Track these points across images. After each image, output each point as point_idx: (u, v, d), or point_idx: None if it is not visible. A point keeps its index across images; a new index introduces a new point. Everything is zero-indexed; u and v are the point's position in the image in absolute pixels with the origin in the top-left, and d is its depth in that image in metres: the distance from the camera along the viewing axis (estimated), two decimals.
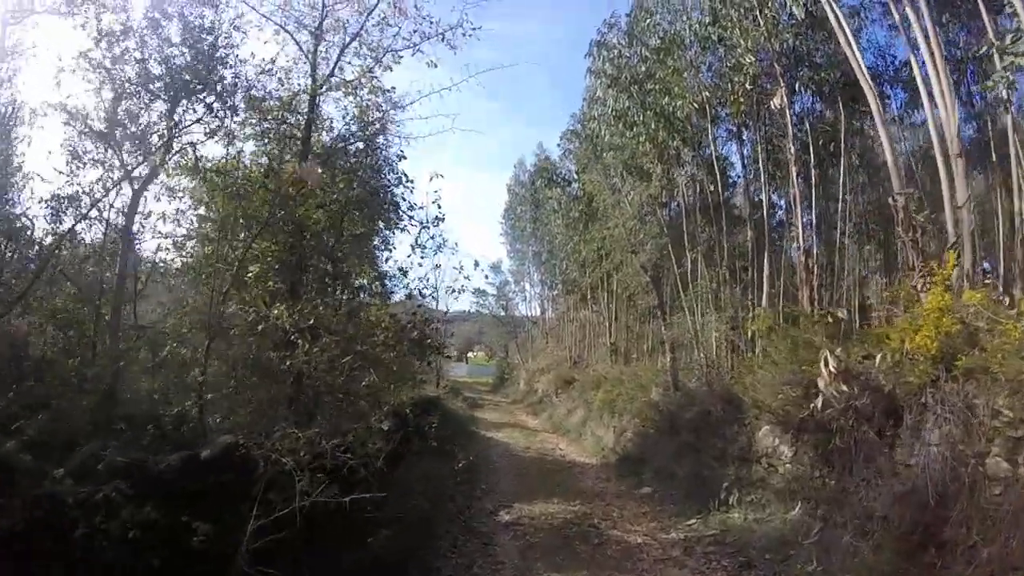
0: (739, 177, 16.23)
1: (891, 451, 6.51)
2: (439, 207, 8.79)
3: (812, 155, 12.89)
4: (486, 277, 42.39)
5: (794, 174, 13.07)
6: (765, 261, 13.21)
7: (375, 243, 13.44)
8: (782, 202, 15.27)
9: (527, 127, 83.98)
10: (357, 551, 5.74)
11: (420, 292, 9.60)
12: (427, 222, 9.45)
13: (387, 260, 13.05)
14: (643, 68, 15.94)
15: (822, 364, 6.42)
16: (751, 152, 15.01)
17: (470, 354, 69.08)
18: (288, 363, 6.74)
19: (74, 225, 7.84)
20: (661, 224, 14.22)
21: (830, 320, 8.47)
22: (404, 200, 9.92)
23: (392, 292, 14.41)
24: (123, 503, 4.45)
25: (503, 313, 44.76)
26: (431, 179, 8.38)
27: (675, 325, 13.56)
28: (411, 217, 9.59)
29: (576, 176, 24.24)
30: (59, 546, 4.26)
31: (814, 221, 13.27)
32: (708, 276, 13.40)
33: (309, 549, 5.26)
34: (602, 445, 14.82)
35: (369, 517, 6.15)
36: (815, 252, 12.51)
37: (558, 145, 26.20)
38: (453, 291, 9.63)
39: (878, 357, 6.74)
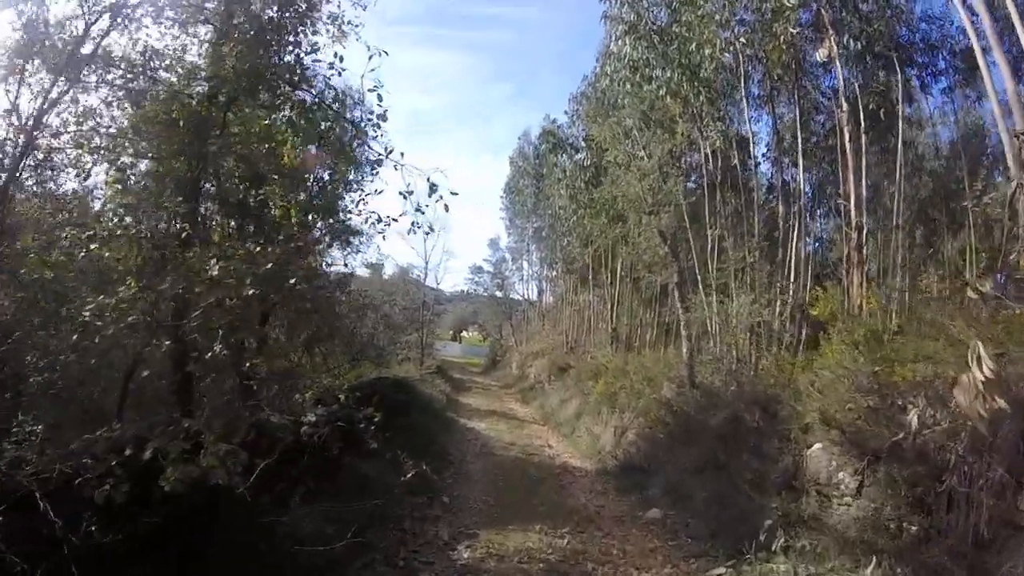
0: (769, 149, 13.98)
1: None
2: (379, 98, 6.14)
3: (857, 123, 10.61)
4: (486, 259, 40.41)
5: (846, 136, 10.79)
6: (794, 240, 10.94)
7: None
8: (811, 178, 13.07)
9: (535, 112, 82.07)
10: None
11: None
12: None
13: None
14: (666, 12, 13.61)
15: (973, 364, 4.06)
16: (781, 123, 12.71)
17: (464, 333, 67.43)
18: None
19: None
20: (684, 182, 11.91)
21: (974, 297, 5.94)
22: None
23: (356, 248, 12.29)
24: None
25: (499, 293, 42.49)
26: (370, 57, 5.75)
27: (696, 308, 11.22)
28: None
29: (584, 143, 22.05)
30: None
31: (864, 195, 10.97)
32: (734, 253, 11.07)
33: None
34: (599, 446, 12.62)
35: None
36: (865, 230, 10.29)
37: (565, 112, 23.76)
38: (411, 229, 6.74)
39: None
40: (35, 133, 4.99)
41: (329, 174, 9.97)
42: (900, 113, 10.72)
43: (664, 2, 13.73)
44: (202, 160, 5.00)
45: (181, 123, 4.88)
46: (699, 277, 11.63)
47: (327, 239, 11.85)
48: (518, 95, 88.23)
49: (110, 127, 5.45)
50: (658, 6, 13.99)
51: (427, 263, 29.60)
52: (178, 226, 5.30)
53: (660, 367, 12.46)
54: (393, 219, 6.84)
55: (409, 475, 6.13)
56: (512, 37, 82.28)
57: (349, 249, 12.22)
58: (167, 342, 4.68)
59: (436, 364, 27.82)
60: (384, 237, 12.33)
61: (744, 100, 12.48)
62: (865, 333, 6.90)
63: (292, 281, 5.08)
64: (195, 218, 5.63)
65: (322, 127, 6.93)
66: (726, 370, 9.88)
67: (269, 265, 4.59)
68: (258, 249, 4.85)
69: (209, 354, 4.61)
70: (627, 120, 12.36)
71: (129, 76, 5.32)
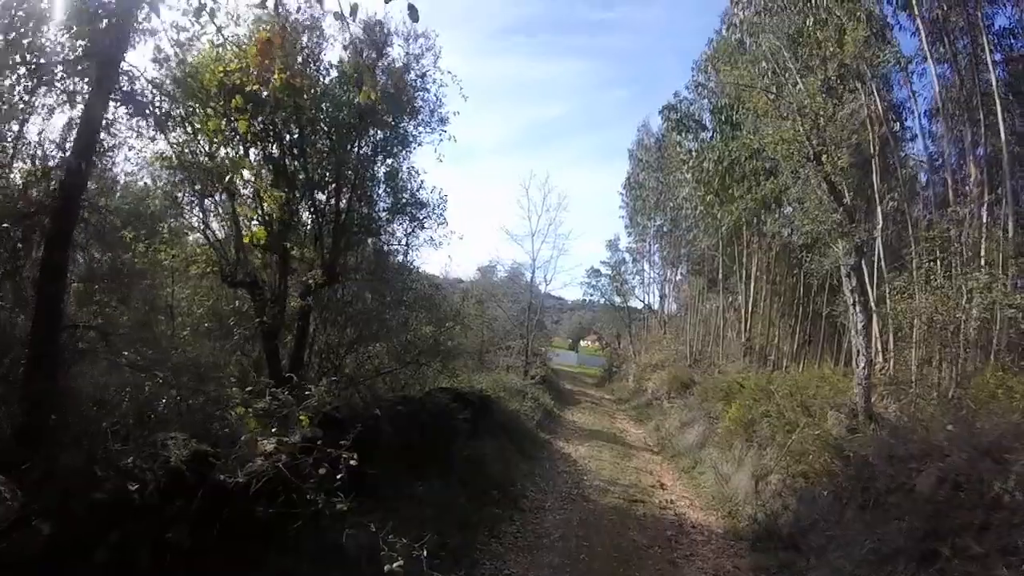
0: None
1: None
2: None
3: None
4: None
5: None
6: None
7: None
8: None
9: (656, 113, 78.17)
10: None
11: None
12: None
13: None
14: None
15: None
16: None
17: (583, 343, 64.72)
18: None
19: None
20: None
21: None
22: None
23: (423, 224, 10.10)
24: None
25: (617, 299, 39.09)
26: None
27: (889, 298, 7.71)
28: None
29: (711, 119, 18.74)
30: None
31: None
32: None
33: None
34: (728, 492, 9.38)
35: None
36: None
37: (685, 87, 20.31)
38: None
39: None
40: None
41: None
42: None
43: None
44: None
45: None
46: (881, 256, 8.07)
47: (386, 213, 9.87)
48: (638, 98, 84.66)
49: None
50: None
51: (534, 260, 26.74)
52: None
53: (822, 389, 8.99)
54: None
55: (393, 566, 3.61)
56: (631, 41, 79.22)
57: (414, 224, 10.08)
58: None
59: (543, 374, 25.20)
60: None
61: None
62: None
63: None
64: None
65: None
66: (936, 396, 6.35)
67: None
68: None
69: None
70: (770, 45, 9.01)
71: None
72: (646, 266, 36.50)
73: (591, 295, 41.87)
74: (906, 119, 12.63)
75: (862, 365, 7.79)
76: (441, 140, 9.84)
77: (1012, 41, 9.88)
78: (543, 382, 23.24)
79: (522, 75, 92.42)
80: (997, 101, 8.66)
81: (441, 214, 9.97)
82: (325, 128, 9.07)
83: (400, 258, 10.77)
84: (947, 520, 5.41)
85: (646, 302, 37.39)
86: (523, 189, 28.01)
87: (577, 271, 54.28)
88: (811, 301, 17.39)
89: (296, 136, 8.64)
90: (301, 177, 8.82)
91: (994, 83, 8.85)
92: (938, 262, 7.23)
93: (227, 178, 6.59)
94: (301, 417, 4.96)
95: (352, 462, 4.40)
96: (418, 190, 9.89)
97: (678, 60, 71.49)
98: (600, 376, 39.87)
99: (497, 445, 9.61)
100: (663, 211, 28.32)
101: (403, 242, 10.20)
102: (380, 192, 10.03)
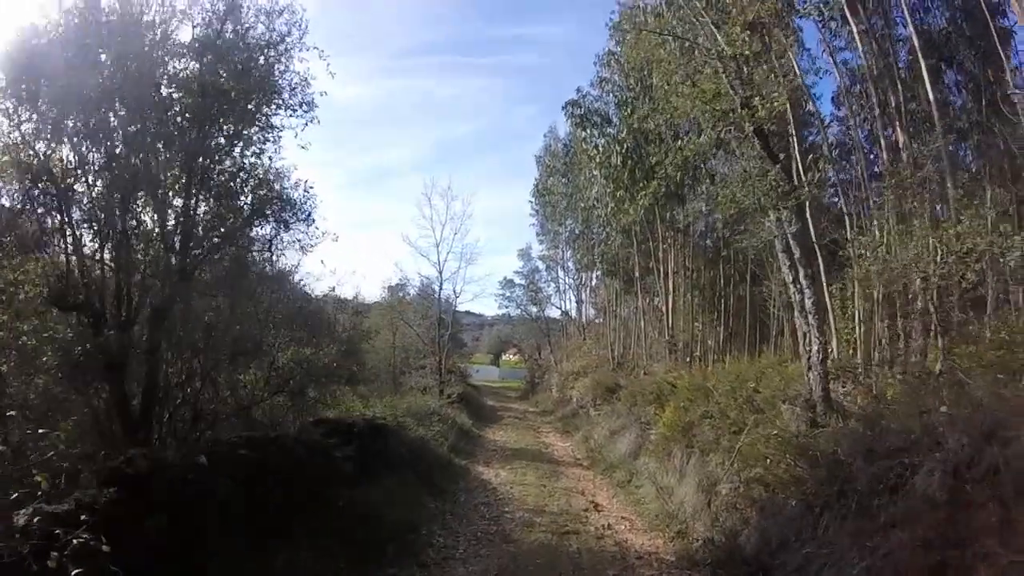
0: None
1: None
2: None
3: None
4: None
5: None
6: None
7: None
8: None
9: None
10: None
11: None
12: None
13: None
14: None
15: None
16: None
17: (504, 356, 63.70)
18: None
19: None
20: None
21: None
22: None
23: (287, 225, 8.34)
24: None
25: (533, 308, 38.04)
26: None
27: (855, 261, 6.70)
28: None
29: (615, 112, 18.15)
30: None
31: None
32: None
33: None
34: (673, 509, 8.08)
35: None
36: None
37: (590, 84, 19.49)
38: None
39: None
40: None
41: None
42: None
43: None
44: None
45: None
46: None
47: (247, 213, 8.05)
48: (547, 114, 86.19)
49: None
50: None
51: (441, 272, 24.92)
52: None
53: (770, 381, 7.91)
54: None
55: None
56: (538, 58, 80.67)
57: (279, 226, 8.24)
58: None
59: (460, 391, 23.42)
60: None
61: None
62: None
63: None
64: None
65: None
66: (920, 373, 5.28)
67: None
68: None
69: None
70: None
71: None
72: (560, 273, 35.75)
73: (506, 306, 40.73)
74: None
75: (815, 349, 6.72)
76: (307, 124, 8.16)
77: None
78: (460, 400, 21.51)
79: (431, 95, 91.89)
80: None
81: (309, 213, 8.18)
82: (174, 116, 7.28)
83: (266, 267, 8.88)
84: (958, 523, 4.29)
85: (564, 309, 36.61)
86: (425, 198, 26.15)
87: (489, 281, 52.97)
88: (732, 292, 16.86)
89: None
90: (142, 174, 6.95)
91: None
92: (906, 212, 6.34)
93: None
94: (38, 477, 3.17)
95: (104, 548, 2.68)
96: (280, 187, 8.11)
97: (586, 76, 72.64)
98: (523, 389, 38.61)
99: (396, 483, 7.82)
100: (574, 213, 27.50)
101: (268, 247, 8.31)
102: (239, 187, 8.14)
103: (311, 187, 8.30)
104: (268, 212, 8.22)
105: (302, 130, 8.14)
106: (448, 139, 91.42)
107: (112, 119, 6.95)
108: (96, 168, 6.93)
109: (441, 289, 25.47)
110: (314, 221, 8.27)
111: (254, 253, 8.48)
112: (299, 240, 8.42)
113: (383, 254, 77.20)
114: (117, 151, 6.94)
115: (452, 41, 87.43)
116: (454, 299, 26.40)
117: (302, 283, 10.22)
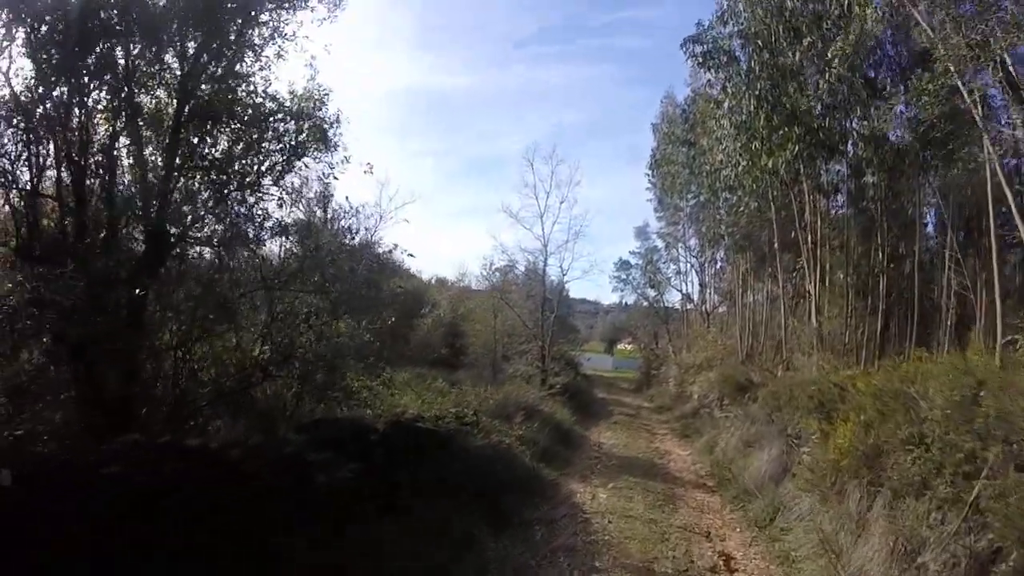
0: None
1: None
2: None
3: None
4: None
5: None
6: None
7: None
8: None
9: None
10: None
11: None
12: None
13: None
14: None
15: None
16: None
17: (619, 345, 60.48)
18: None
19: None
20: None
21: None
22: None
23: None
24: None
25: (651, 291, 34.52)
26: None
27: None
28: None
29: (744, 48, 14.97)
30: None
31: None
32: None
33: None
34: None
35: None
36: None
37: (709, 20, 15.94)
38: None
39: None
40: None
41: None
42: None
43: None
44: None
45: None
46: None
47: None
48: (653, 99, 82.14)
49: None
50: None
51: (546, 245, 22.13)
52: None
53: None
54: None
55: None
56: (639, 41, 77.32)
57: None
58: None
59: (566, 382, 20.88)
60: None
61: None
62: None
63: None
64: None
65: None
66: None
67: None
68: None
69: None
70: None
71: None
72: (681, 250, 31.85)
73: (621, 290, 37.59)
74: None
75: None
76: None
77: None
78: (564, 392, 19.03)
79: (541, 82, 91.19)
80: None
81: (324, 131, 6.07)
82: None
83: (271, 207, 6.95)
84: None
85: (684, 291, 32.72)
86: (527, 163, 23.50)
87: (599, 255, 49.30)
88: (899, 272, 12.92)
89: None
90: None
91: None
92: None
93: None
94: None
95: None
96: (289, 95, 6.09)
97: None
98: (637, 380, 35.41)
99: (439, 511, 5.56)
100: (697, 180, 23.75)
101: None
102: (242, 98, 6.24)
103: (326, 93, 6.24)
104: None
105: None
106: (559, 126, 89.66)
107: None
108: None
109: (546, 264, 22.87)
110: (329, 143, 6.18)
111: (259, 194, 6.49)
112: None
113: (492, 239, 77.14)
114: None
115: (559, 27, 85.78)
116: (561, 275, 23.71)
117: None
